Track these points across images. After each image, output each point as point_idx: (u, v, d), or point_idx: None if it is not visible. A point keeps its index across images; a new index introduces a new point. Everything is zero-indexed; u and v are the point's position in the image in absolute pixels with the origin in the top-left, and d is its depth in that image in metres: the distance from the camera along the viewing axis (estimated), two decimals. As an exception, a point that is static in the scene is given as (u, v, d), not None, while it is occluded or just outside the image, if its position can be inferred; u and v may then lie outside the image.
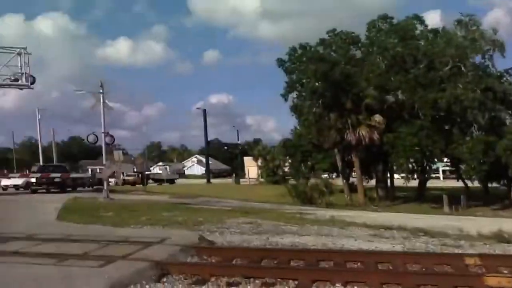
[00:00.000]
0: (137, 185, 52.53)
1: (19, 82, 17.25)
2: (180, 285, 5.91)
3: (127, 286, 5.65)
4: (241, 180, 67.15)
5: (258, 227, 11.59)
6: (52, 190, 27.59)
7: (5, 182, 33.49)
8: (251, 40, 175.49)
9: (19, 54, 17.06)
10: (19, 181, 32.72)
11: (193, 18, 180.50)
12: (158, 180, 66.51)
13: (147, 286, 5.75)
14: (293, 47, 35.38)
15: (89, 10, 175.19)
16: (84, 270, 6.33)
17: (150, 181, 64.03)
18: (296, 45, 35.49)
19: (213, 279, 6.21)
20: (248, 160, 79.14)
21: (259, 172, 70.81)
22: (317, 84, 32.68)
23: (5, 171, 33.78)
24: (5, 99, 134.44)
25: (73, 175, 32.52)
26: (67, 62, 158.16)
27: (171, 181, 67.43)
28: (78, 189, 31.77)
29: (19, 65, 17.05)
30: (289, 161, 50.25)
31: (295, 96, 35.84)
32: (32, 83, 17.55)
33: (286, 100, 35.58)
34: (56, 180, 28.01)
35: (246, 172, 73.97)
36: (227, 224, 12.14)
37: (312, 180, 35.23)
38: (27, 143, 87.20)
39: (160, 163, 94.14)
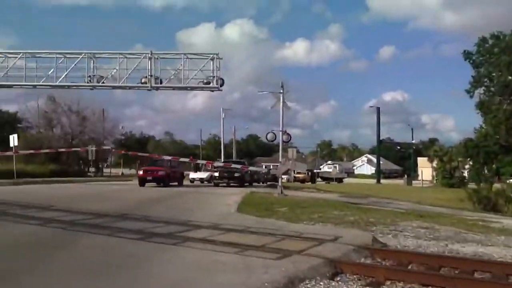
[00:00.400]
0: (306, 183, 53.95)
1: (211, 85, 19.11)
2: (354, 285, 5.89)
3: (303, 281, 5.84)
4: (413, 181, 63.91)
5: (435, 233, 10.92)
6: (232, 184, 29.91)
7: (192, 175, 37.59)
8: (431, 32, 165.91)
9: (211, 59, 18.94)
10: (204, 175, 36.34)
11: (370, 13, 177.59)
12: (327, 179, 67.30)
13: (321, 283, 5.85)
14: (483, 37, 32.13)
15: (270, 15, 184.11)
16: (262, 261, 6.73)
17: (319, 179, 65.20)
18: (485, 34, 32.21)
19: (388, 282, 6.07)
20: (422, 161, 75.02)
21: (434, 174, 66.50)
22: (510, 77, 29.27)
23: (192, 158, 37.82)
24: (196, 101, 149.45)
25: (250, 170, 34.77)
26: (249, 65, 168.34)
27: (340, 180, 67.61)
28: (254, 184, 33.84)
29: (211, 69, 18.90)
30: (470, 163, 46.50)
31: (482, 91, 32.68)
32: (221, 85, 19.34)
33: (471, 96, 32.77)
34: (236, 175, 29.91)
35: (419, 173, 70.06)
36: (401, 226, 11.68)
37: (497, 185, 31.87)
38: (212, 140, 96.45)
39: (330, 162, 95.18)
